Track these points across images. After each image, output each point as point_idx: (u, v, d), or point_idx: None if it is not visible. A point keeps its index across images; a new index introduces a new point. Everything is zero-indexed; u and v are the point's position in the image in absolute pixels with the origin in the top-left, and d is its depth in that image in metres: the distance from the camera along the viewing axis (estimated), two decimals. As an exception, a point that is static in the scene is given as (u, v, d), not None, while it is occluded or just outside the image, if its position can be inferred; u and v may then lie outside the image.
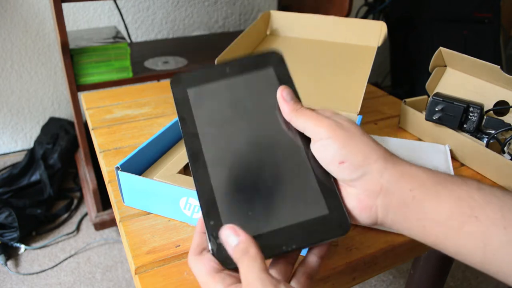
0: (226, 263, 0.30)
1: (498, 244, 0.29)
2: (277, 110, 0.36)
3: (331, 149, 0.32)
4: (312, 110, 0.35)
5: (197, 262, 0.31)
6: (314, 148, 0.34)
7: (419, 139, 0.66)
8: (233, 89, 0.37)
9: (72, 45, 1.14)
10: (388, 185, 0.31)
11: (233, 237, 0.30)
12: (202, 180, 0.33)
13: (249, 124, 0.36)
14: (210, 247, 0.30)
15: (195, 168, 0.34)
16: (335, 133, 0.32)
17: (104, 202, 1.33)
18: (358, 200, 0.32)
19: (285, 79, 0.38)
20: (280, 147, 0.35)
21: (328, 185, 0.33)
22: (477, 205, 0.30)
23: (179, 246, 0.43)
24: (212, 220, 0.31)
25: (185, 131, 0.35)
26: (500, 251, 0.29)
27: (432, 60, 0.64)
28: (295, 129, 0.35)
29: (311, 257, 0.32)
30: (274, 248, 0.30)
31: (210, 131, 0.35)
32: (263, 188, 0.33)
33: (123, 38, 1.23)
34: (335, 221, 0.31)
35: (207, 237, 0.31)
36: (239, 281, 0.29)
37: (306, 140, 0.34)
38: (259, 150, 0.34)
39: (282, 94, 0.36)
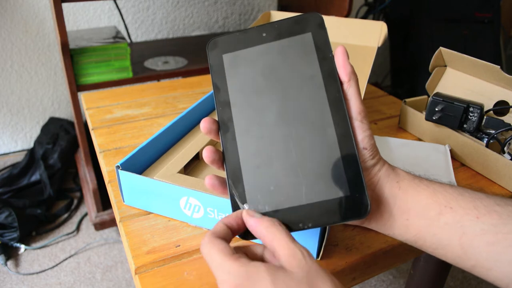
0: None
1: (473, 234, 0.31)
2: (309, 80, 0.35)
3: None
4: None
5: (214, 244, 0.30)
6: None
7: (419, 139, 0.66)
8: (268, 56, 0.37)
9: (72, 45, 1.14)
10: (383, 178, 0.34)
11: (252, 218, 0.31)
12: (230, 150, 0.35)
13: (281, 95, 0.36)
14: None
15: (224, 138, 0.36)
16: None
17: (104, 202, 1.33)
18: None
19: (322, 45, 0.36)
20: (311, 122, 0.34)
21: (354, 166, 0.33)
22: (451, 197, 0.33)
23: (179, 246, 0.43)
24: (237, 192, 0.34)
25: (218, 99, 0.36)
26: (475, 241, 0.31)
27: (432, 60, 0.64)
28: (329, 99, 0.34)
29: None
30: (291, 225, 0.32)
31: (242, 101, 0.36)
32: (288, 163, 0.34)
33: (123, 38, 1.23)
34: (354, 203, 0.32)
35: (238, 205, 0.34)
36: (253, 259, 0.30)
37: (341, 115, 0.34)
38: (289, 124, 0.35)
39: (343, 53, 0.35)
